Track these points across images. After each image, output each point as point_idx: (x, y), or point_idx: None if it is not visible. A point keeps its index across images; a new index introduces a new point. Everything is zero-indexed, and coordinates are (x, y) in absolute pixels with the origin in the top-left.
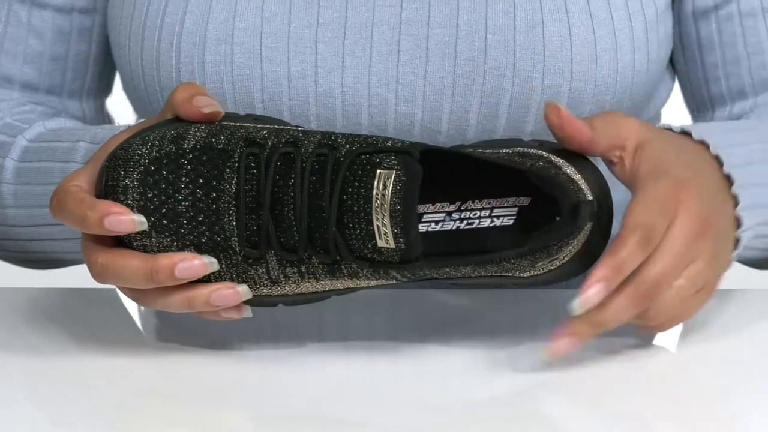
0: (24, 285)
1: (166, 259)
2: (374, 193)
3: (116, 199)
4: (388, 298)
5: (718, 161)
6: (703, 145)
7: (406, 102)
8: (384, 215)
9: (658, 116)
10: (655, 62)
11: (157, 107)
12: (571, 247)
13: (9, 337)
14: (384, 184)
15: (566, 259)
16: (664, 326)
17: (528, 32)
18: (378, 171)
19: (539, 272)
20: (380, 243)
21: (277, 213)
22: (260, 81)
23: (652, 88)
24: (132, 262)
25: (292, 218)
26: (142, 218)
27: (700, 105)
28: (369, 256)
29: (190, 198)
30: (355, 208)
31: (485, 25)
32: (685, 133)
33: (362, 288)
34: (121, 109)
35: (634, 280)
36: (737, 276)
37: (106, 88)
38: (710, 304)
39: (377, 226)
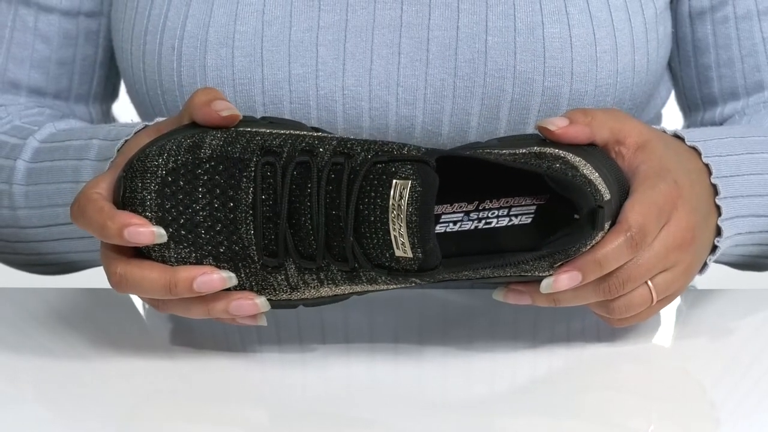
0: (36, 286)
1: (185, 272)
2: (390, 203)
3: (134, 211)
4: (388, 299)
5: (708, 169)
6: (696, 151)
7: (407, 104)
8: (401, 225)
9: (658, 116)
10: (655, 62)
11: (159, 111)
12: (589, 248)
13: (21, 338)
14: (400, 194)
15: None
16: (622, 322)
17: (528, 34)
18: (394, 181)
19: None
20: (398, 252)
21: (294, 222)
22: (261, 84)
23: (653, 88)
24: (151, 274)
25: (310, 227)
26: (161, 230)
27: (691, 104)
28: (387, 264)
29: (208, 208)
30: (372, 218)
31: (485, 27)
32: (678, 137)
33: (382, 290)
34: (125, 113)
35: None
36: (738, 276)
37: (112, 93)
38: (709, 305)
39: (394, 236)
